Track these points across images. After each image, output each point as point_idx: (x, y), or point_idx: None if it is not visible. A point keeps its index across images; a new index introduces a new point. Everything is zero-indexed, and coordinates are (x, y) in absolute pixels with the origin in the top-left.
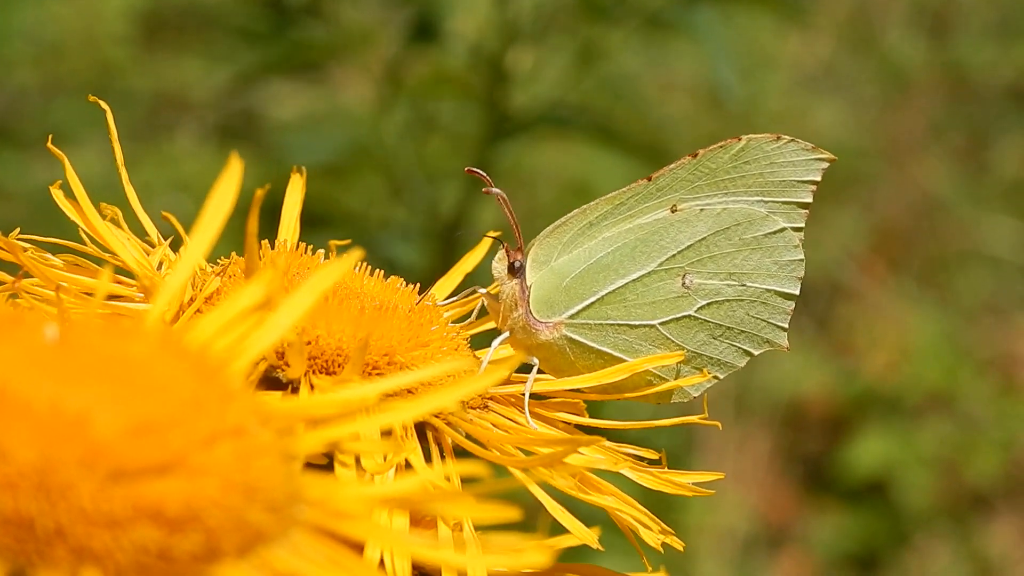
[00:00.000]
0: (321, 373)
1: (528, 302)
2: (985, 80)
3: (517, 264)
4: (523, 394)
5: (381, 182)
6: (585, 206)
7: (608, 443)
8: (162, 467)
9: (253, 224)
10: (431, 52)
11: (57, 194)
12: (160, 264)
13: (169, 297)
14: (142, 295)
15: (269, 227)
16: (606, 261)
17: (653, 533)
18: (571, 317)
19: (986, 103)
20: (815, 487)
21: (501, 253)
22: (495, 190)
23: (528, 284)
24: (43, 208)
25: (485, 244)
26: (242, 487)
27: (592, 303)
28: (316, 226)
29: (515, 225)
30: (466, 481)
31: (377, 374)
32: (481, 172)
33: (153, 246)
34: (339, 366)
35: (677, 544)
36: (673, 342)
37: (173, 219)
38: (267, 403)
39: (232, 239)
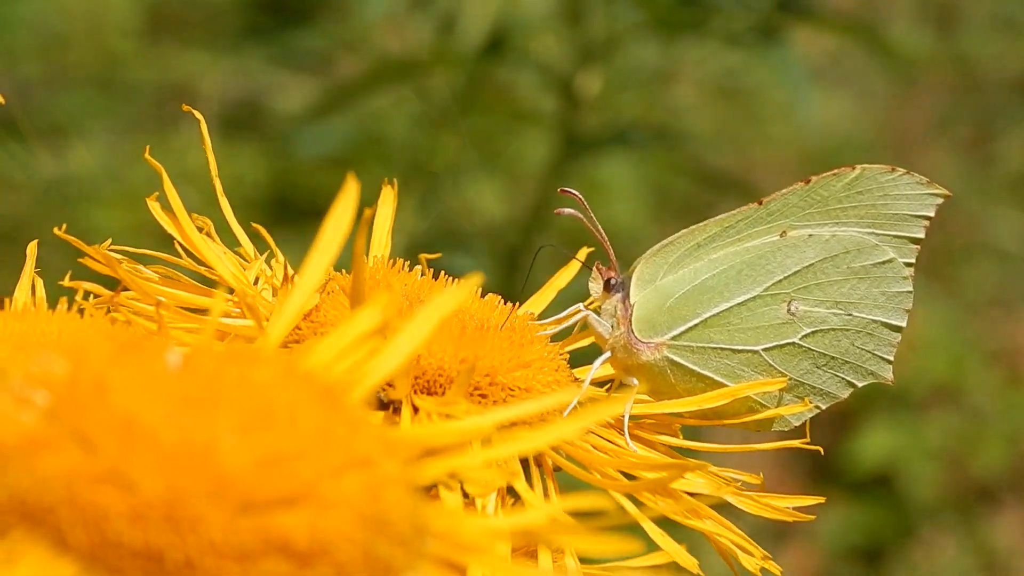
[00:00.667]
0: (423, 393)
1: (631, 321)
2: (991, 73)
3: (613, 281)
4: (623, 415)
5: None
6: (694, 226)
7: (711, 467)
8: (291, 499)
9: (361, 243)
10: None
11: (154, 206)
12: (256, 280)
13: (287, 321)
14: (239, 311)
15: (276, 221)
16: (711, 283)
17: (754, 559)
18: (674, 339)
19: (992, 96)
20: (821, 480)
21: (595, 272)
22: (569, 211)
23: (631, 303)
24: (48, 200)
25: (575, 263)
26: (372, 519)
27: (695, 325)
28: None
29: (603, 241)
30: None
31: (480, 395)
32: (575, 192)
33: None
34: (440, 386)
35: (775, 569)
36: (776, 369)
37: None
38: (390, 432)
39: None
